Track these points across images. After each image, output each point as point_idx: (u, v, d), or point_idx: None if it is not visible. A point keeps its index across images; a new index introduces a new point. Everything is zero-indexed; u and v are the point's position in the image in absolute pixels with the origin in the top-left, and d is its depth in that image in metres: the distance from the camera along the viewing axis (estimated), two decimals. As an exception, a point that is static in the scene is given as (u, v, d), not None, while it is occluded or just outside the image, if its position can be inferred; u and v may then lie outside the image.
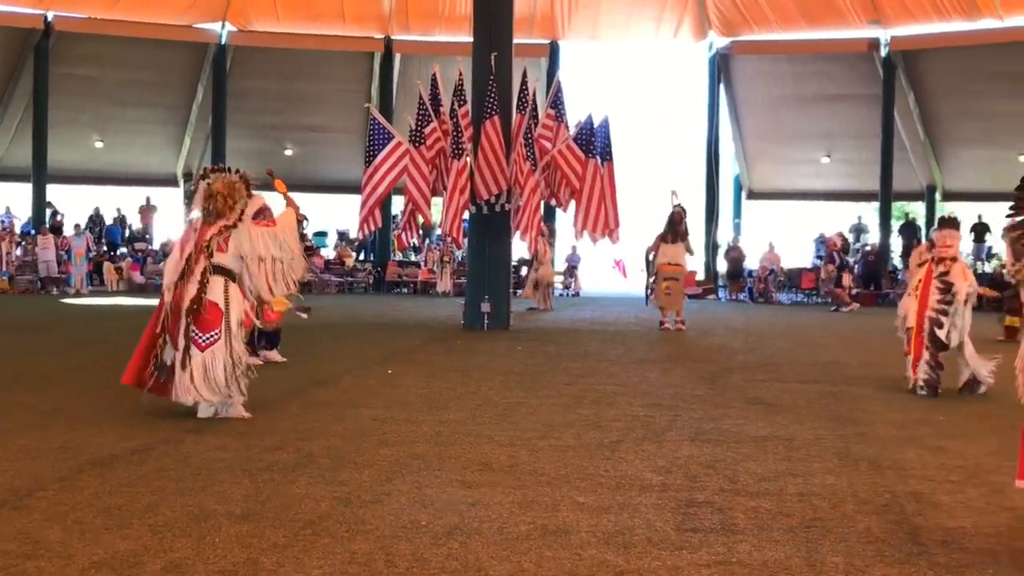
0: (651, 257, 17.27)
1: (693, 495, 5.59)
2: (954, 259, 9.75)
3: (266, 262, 7.84)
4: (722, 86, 32.22)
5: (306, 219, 8.46)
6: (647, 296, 17.59)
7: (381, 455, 6.50)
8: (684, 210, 17.29)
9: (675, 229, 16.99)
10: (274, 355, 11.49)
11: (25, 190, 31.30)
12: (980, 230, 30.22)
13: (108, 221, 33.00)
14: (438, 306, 23.67)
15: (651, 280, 17.33)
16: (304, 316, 11.86)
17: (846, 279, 25.96)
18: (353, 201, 34.94)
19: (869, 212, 33.64)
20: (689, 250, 17.45)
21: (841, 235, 27.03)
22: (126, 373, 7.91)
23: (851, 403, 9.21)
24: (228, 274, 7.76)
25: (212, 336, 7.61)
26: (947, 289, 9.56)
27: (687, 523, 5.03)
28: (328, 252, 32.81)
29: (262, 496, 5.38)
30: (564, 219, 20.80)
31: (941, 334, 9.52)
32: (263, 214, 8.38)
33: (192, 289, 7.64)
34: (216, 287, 7.68)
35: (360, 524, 4.90)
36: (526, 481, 5.86)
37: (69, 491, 5.42)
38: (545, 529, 4.89)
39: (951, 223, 10.06)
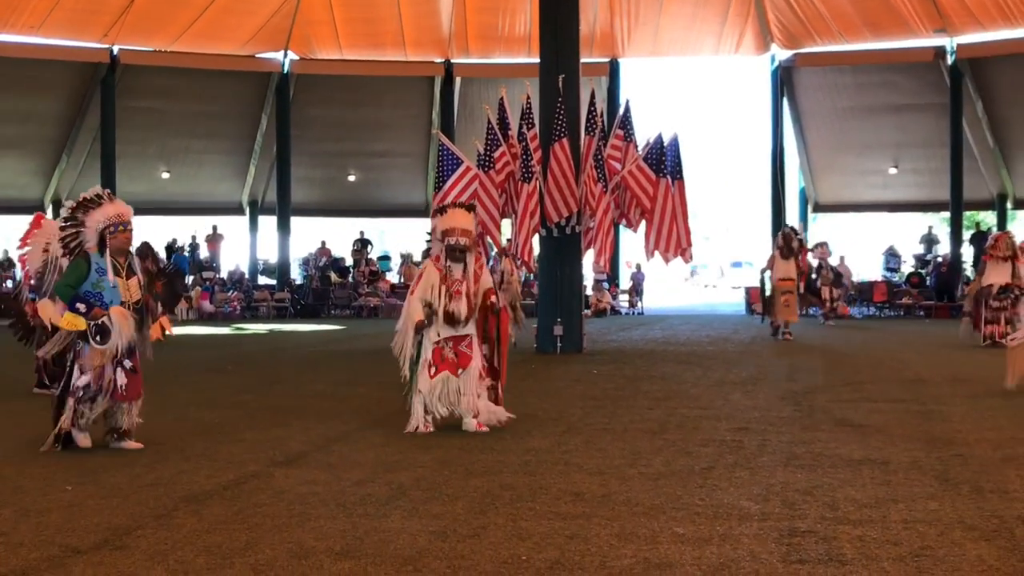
0: (766, 274, 19.64)
1: (794, 524, 5.45)
2: None
3: None
4: (785, 98, 31.90)
5: None
6: (761, 313, 20.14)
7: (471, 486, 6.44)
8: (796, 231, 20.21)
9: (789, 246, 19.26)
10: None
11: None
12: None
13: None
14: (506, 328, 23.54)
15: (768, 295, 19.52)
16: None
17: (825, 291, 24.93)
18: (416, 225, 35.34)
19: (939, 222, 33.05)
20: (799, 267, 19.47)
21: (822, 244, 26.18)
22: None
23: (943, 423, 8.99)
24: None
25: None
26: None
27: (793, 554, 4.90)
28: (393, 276, 32.93)
29: (359, 532, 5.34)
30: (633, 238, 20.85)
31: None
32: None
33: None
34: None
35: (460, 560, 4.84)
36: (621, 512, 5.76)
37: (167, 529, 5.41)
38: (648, 563, 4.79)
39: None
